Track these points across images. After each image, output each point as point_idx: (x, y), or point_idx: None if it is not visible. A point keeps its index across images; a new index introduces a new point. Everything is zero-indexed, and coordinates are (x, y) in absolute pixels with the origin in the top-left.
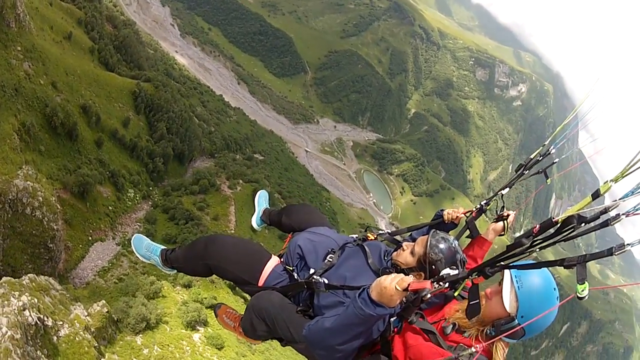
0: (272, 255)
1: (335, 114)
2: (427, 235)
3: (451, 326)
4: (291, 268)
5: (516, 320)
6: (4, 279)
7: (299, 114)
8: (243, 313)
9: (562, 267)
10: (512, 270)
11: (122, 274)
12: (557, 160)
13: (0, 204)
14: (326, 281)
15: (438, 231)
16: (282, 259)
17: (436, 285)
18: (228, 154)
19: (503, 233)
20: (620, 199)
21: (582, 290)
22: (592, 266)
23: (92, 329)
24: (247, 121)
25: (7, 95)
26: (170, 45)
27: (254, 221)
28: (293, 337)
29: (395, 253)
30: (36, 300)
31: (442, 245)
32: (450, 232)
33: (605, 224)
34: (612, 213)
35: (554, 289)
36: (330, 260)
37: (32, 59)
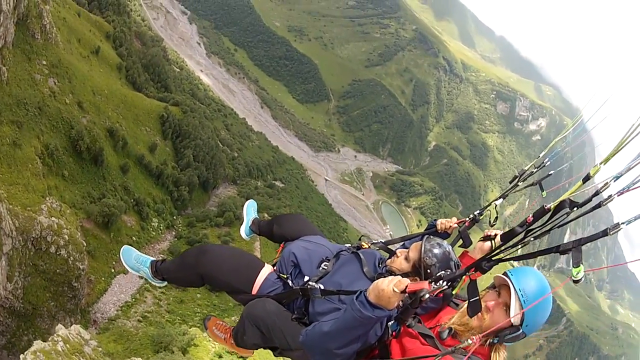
0: (265, 263)
1: (356, 144)
2: (421, 241)
3: (447, 331)
4: (285, 276)
5: (521, 330)
6: (35, 345)
7: (321, 142)
8: (234, 325)
9: (575, 283)
10: (513, 284)
11: (146, 310)
12: (552, 172)
13: (22, 242)
14: (322, 287)
15: (432, 236)
16: (275, 268)
17: (434, 285)
18: (250, 181)
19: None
20: (610, 179)
21: (577, 273)
22: (602, 301)
23: None
24: (269, 146)
25: (30, 114)
26: (196, 64)
27: (243, 231)
28: (289, 345)
29: (389, 260)
30: None
31: (436, 250)
32: None
33: (598, 205)
34: (604, 194)
35: (550, 293)
36: (325, 267)
37: (57, 75)
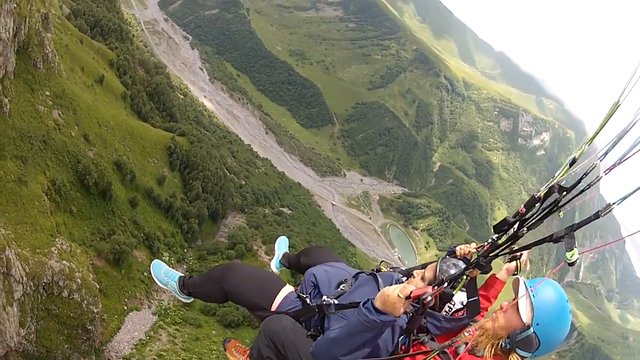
0: (287, 283)
1: (362, 167)
2: (436, 262)
3: (463, 345)
4: (304, 295)
5: (532, 329)
6: None
7: (326, 167)
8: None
9: (570, 266)
10: (523, 281)
11: (162, 349)
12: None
13: (33, 287)
14: (336, 302)
15: (448, 257)
16: (296, 289)
17: (436, 288)
18: (258, 209)
19: (516, 272)
20: (597, 159)
21: (571, 256)
22: (613, 311)
23: None
24: (275, 172)
25: (35, 148)
26: (199, 89)
27: (274, 264)
28: None
29: (406, 281)
30: None
31: (452, 271)
32: None
33: (587, 187)
34: (592, 175)
35: (567, 300)
36: (343, 288)
37: (62, 106)
